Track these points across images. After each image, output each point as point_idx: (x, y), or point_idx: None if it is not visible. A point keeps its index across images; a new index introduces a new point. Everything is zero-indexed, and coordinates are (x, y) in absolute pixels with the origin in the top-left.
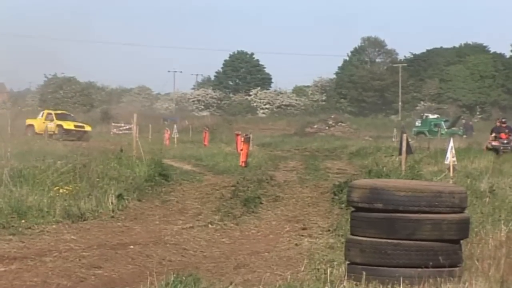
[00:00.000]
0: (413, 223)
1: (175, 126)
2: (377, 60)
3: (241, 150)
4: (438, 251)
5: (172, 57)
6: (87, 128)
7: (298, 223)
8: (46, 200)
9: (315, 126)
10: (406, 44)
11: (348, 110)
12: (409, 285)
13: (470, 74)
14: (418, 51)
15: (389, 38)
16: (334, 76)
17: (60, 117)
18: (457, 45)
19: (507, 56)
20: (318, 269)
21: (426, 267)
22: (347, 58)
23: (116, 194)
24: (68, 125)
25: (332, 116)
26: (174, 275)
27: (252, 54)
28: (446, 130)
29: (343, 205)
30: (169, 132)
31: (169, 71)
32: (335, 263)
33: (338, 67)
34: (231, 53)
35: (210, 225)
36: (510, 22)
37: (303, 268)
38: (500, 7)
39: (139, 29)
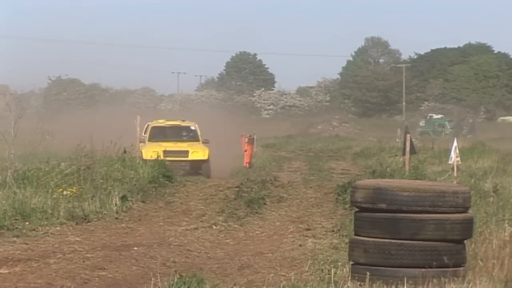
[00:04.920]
0: (416, 223)
1: None
2: (381, 60)
3: (245, 151)
4: (442, 251)
5: (176, 59)
6: (197, 153)
7: (302, 224)
8: (50, 202)
9: (319, 127)
10: (409, 44)
11: (352, 110)
12: (413, 285)
13: (474, 74)
14: (421, 51)
15: (393, 39)
16: (338, 76)
17: (156, 133)
18: (461, 45)
19: (511, 56)
20: (322, 269)
21: (430, 267)
22: (351, 59)
23: (120, 195)
24: (155, 148)
25: (336, 117)
26: (178, 276)
27: (255, 54)
28: (450, 130)
29: (347, 206)
30: None
31: (173, 73)
32: (339, 263)
33: (342, 67)
34: (234, 54)
35: (214, 226)
36: None
37: (307, 268)
38: (504, 7)
39: (142, 31)
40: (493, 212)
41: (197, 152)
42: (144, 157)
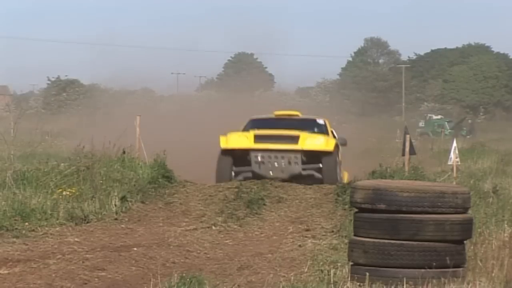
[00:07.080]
0: (416, 223)
1: None
2: (380, 61)
3: None
4: (442, 252)
5: (175, 59)
6: None
7: (301, 224)
8: (50, 203)
9: None
10: (409, 45)
11: (351, 111)
12: (413, 286)
13: (474, 75)
14: (421, 51)
15: (392, 39)
16: (338, 77)
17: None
18: (460, 46)
19: (511, 57)
20: (321, 270)
21: (430, 268)
22: (350, 59)
23: (120, 196)
24: None
25: (336, 117)
26: (178, 277)
27: (254, 56)
28: (449, 130)
29: (346, 206)
30: None
31: (172, 73)
32: (339, 264)
33: (341, 68)
34: (234, 55)
35: (213, 227)
36: None
37: (306, 269)
38: (503, 7)
39: (141, 31)
40: (492, 213)
41: None
42: None
